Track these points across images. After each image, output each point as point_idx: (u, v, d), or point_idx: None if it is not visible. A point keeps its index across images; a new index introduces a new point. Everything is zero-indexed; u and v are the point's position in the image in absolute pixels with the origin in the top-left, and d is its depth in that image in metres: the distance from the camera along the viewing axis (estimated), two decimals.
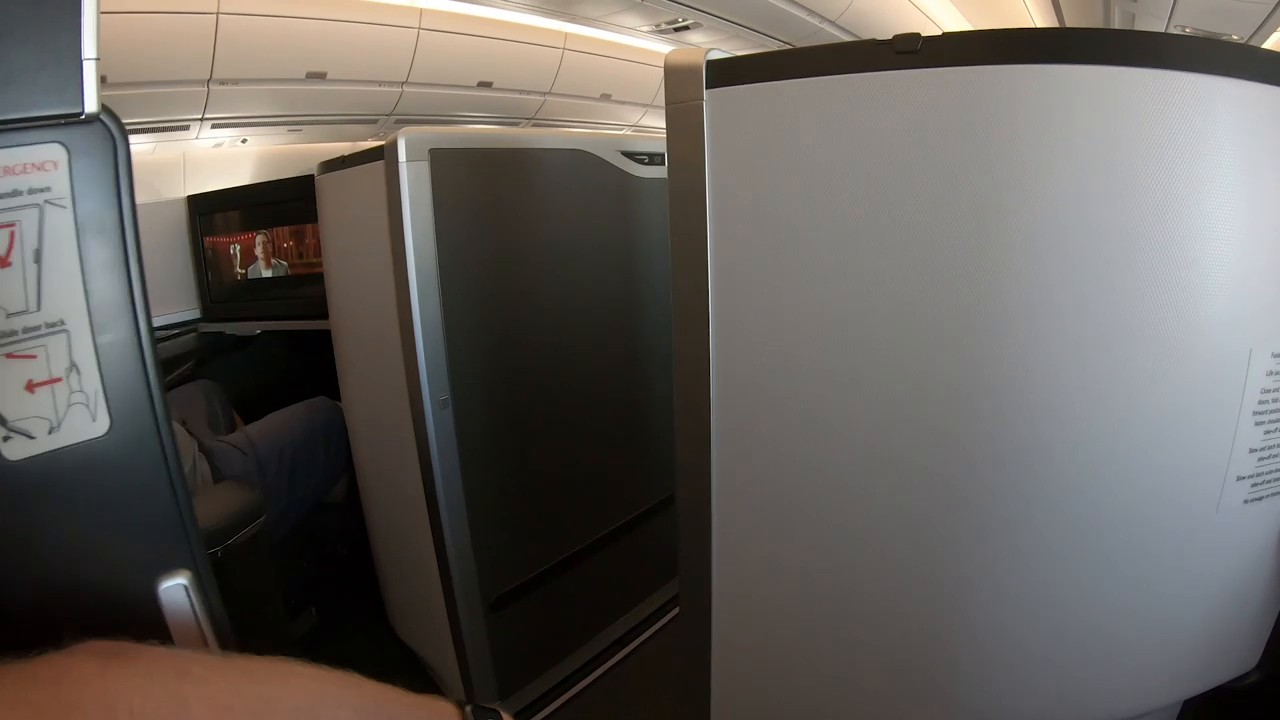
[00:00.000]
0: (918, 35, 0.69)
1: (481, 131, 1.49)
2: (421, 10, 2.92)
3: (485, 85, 3.37)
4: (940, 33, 0.70)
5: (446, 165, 1.27)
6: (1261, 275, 0.74)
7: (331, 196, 1.53)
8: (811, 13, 3.32)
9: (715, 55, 0.82)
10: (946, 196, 0.70)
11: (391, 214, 1.25)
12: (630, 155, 1.60)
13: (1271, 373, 0.76)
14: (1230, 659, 0.87)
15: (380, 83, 3.12)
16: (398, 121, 3.30)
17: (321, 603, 1.85)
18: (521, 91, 3.75)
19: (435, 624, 1.47)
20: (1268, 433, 0.77)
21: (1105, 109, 0.68)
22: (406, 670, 1.72)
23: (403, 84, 3.18)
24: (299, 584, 1.74)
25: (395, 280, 1.27)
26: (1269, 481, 0.78)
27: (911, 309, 0.74)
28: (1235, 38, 3.22)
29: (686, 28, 3.39)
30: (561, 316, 1.51)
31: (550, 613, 1.61)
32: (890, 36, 0.71)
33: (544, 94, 3.87)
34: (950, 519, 0.76)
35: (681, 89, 0.82)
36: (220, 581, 1.26)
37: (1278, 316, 0.76)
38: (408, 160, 1.23)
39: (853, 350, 0.77)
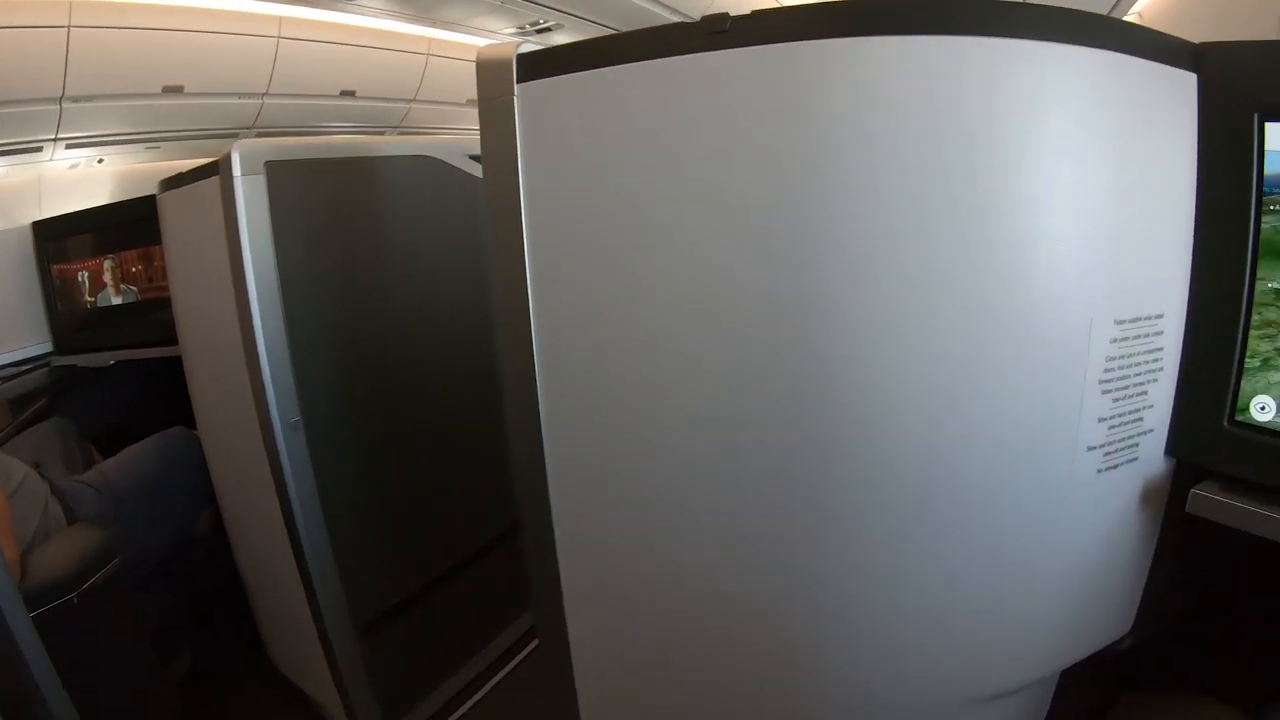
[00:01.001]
0: (726, 15, 0.65)
1: (323, 141, 1.41)
2: (281, 18, 2.78)
3: (348, 94, 3.23)
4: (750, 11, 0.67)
5: (284, 178, 1.20)
6: (1099, 243, 0.73)
7: (173, 215, 1.44)
8: (674, 10, 3.29)
9: (526, 48, 0.78)
10: (764, 177, 0.67)
11: (229, 231, 1.19)
12: (476, 158, 1.55)
13: (1115, 340, 0.75)
14: (1104, 626, 0.87)
15: (240, 95, 2.96)
16: (260, 134, 3.14)
17: (198, 642, 1.75)
18: (386, 100, 3.62)
19: (310, 654, 1.41)
20: (1116, 400, 0.76)
21: (924, 80, 0.66)
22: (290, 705, 1.63)
23: (263, 95, 3.02)
24: (172, 624, 1.64)
25: (236, 300, 1.19)
26: (1121, 449, 0.78)
27: (740, 295, 0.71)
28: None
29: (549, 29, 3.32)
30: (414, 329, 1.45)
31: (428, 633, 1.56)
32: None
33: (409, 101, 3.74)
34: (801, 510, 0.74)
35: (492, 84, 0.78)
36: (80, 628, 1.17)
37: (1118, 283, 0.74)
38: (243, 174, 1.17)
39: (683, 342, 0.74)
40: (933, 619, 0.77)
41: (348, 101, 3.24)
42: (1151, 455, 0.81)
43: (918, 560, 0.74)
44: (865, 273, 0.68)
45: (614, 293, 0.77)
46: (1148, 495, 0.82)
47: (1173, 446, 0.81)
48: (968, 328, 0.69)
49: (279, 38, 2.81)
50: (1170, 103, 0.77)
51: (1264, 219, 0.77)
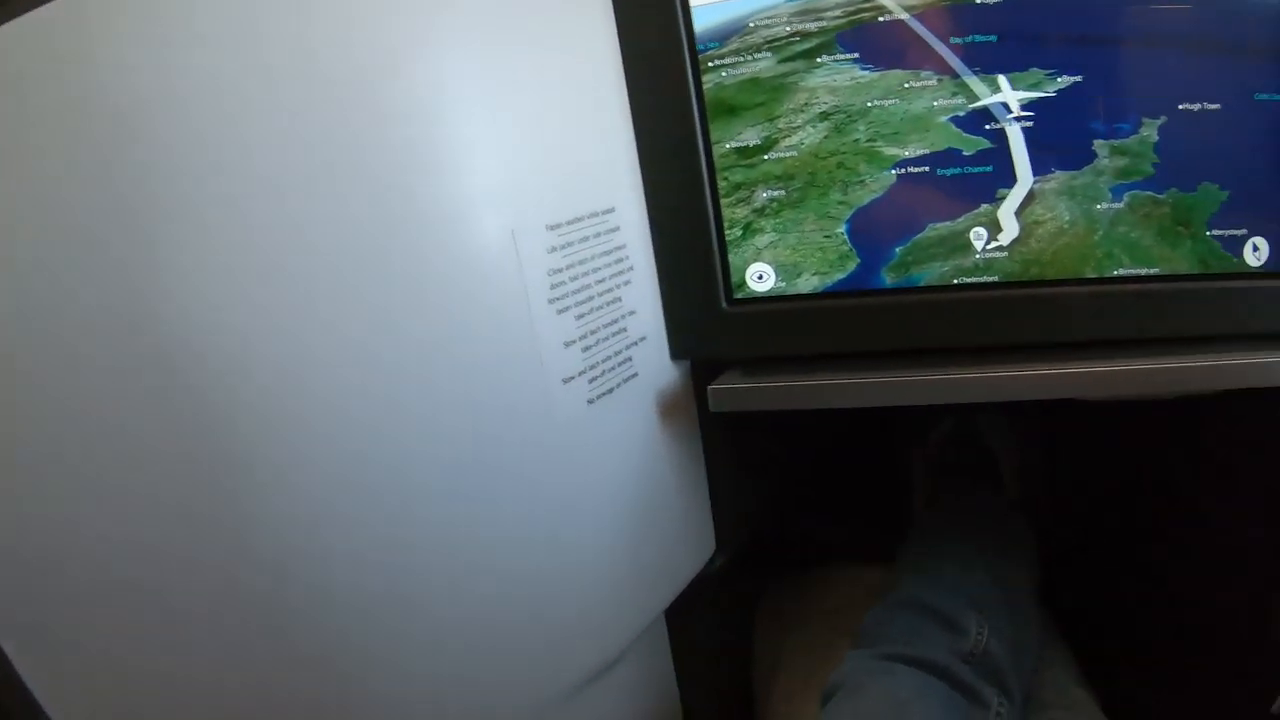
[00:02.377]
0: None
1: None
2: None
3: None
4: None
5: None
6: (505, 140, 0.62)
7: None
8: None
9: None
10: (81, 169, 0.52)
11: None
12: None
13: (554, 249, 0.63)
14: (683, 558, 0.78)
15: None
16: None
17: None
18: None
19: None
20: (580, 317, 0.65)
21: None
22: None
23: None
24: None
25: None
26: (610, 370, 0.67)
27: (80, 308, 0.54)
28: None
29: None
30: None
31: None
32: None
33: None
34: (244, 569, 0.59)
35: None
36: None
37: (542, 183, 0.63)
38: None
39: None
40: (476, 640, 0.66)
41: None
42: (654, 365, 0.71)
43: (428, 588, 0.62)
44: (231, 256, 0.54)
45: None
46: (669, 409, 0.72)
47: (677, 348, 0.71)
48: (366, 286, 0.57)
49: None
50: None
51: (705, 78, 0.67)
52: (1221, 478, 0.83)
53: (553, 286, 0.64)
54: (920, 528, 0.87)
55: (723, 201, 0.69)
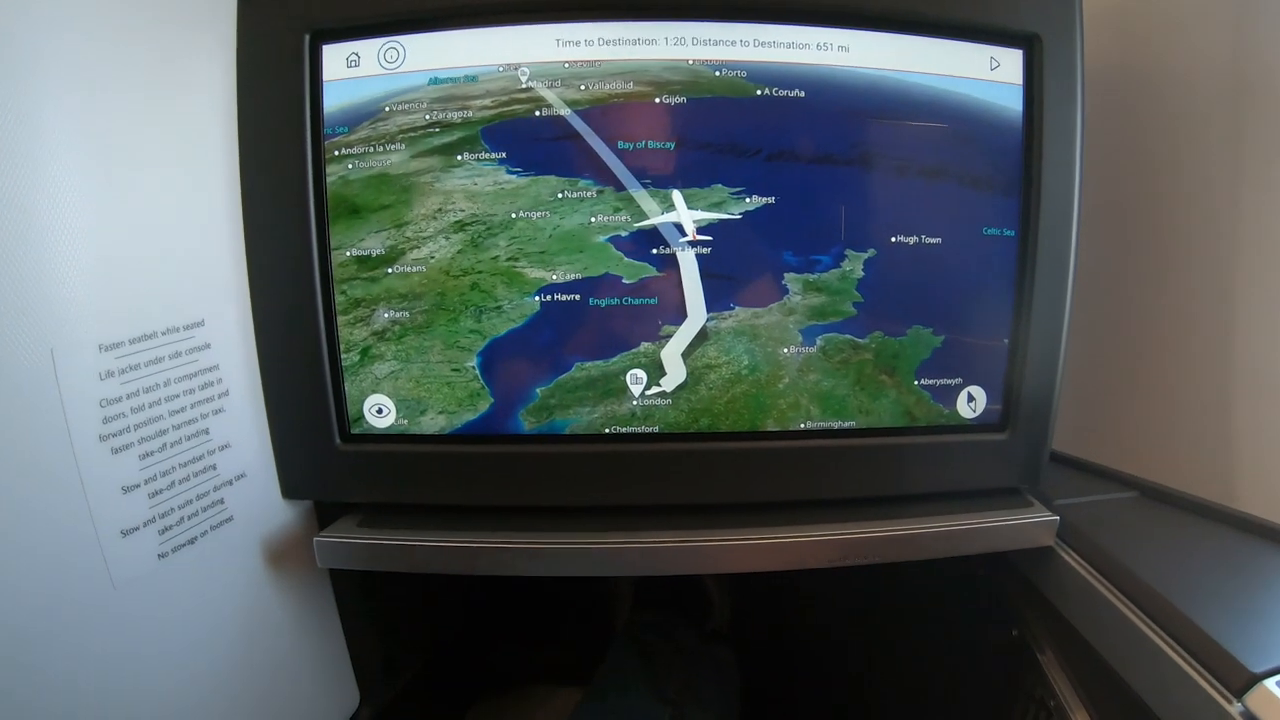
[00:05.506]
0: None
1: None
2: None
3: None
4: None
5: None
6: (44, 228, 0.49)
7: None
8: None
9: None
10: None
11: None
12: None
13: (110, 373, 0.52)
14: (323, 707, 0.66)
15: None
16: None
17: None
18: None
19: None
20: (147, 456, 0.54)
21: None
22: None
23: None
24: None
25: None
26: (192, 518, 0.56)
27: None
28: None
29: None
30: None
31: None
32: None
33: None
34: None
35: None
36: None
37: (94, 291, 0.51)
38: None
39: None
40: None
41: None
42: (260, 506, 0.60)
43: None
44: None
45: None
46: (282, 554, 0.61)
47: (288, 487, 0.60)
48: None
49: None
50: (205, 34, 0.56)
51: (329, 169, 0.56)
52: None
53: (106, 420, 0.53)
54: (607, 667, 0.79)
55: (340, 321, 0.58)
